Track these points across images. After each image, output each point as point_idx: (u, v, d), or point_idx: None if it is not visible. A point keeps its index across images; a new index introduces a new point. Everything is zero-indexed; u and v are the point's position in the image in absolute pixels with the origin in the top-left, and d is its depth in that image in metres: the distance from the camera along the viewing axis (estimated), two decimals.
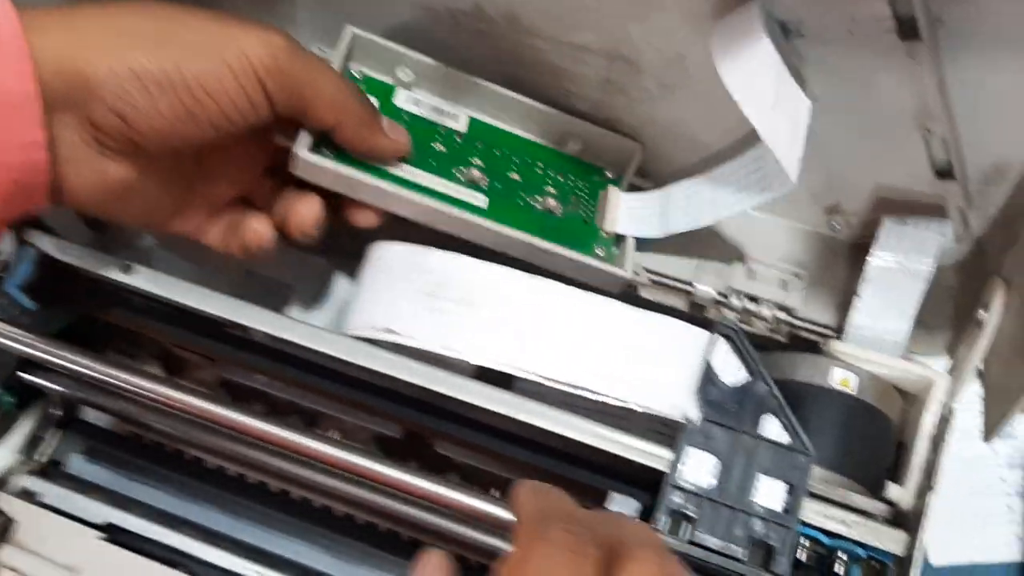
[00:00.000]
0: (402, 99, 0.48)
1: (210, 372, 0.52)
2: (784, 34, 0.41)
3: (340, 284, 0.51)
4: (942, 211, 0.45)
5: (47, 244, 0.45)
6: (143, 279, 0.44)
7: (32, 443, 0.50)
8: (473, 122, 0.49)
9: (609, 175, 0.49)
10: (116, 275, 0.44)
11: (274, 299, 0.50)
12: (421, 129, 0.47)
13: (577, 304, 0.42)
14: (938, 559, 0.61)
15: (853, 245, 0.49)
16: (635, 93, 0.48)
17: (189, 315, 0.45)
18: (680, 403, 0.41)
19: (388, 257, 0.43)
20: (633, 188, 0.49)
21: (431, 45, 0.48)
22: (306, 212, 0.43)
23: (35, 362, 0.45)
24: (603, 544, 0.28)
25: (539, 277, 0.43)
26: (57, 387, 0.48)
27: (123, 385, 0.43)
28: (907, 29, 0.39)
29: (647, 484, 0.41)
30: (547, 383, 0.41)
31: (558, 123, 0.49)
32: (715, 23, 0.41)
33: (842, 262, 0.49)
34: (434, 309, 0.41)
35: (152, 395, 0.43)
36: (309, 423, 0.49)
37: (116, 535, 0.43)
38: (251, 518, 0.48)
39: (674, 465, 0.39)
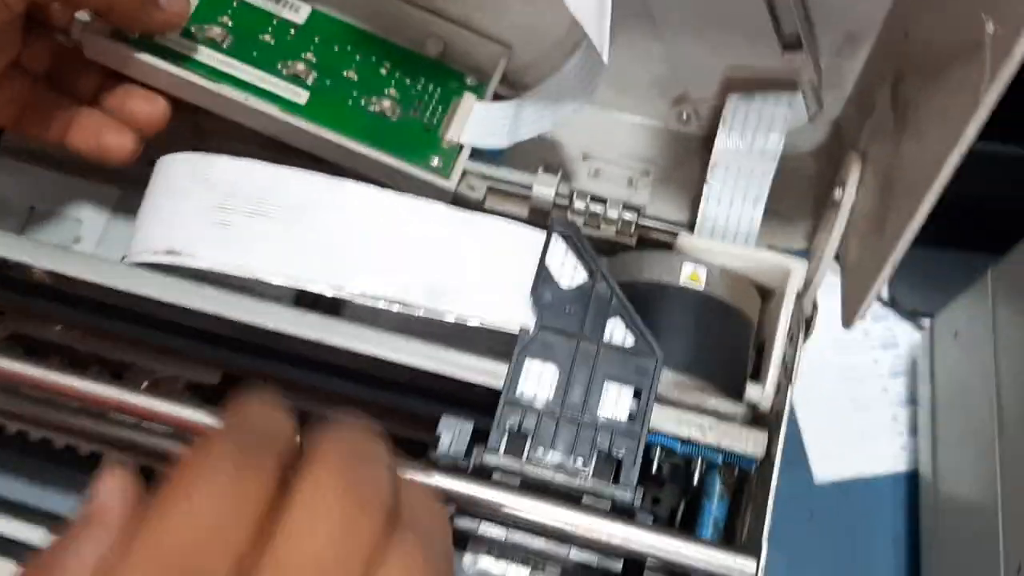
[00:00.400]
0: None
1: None
2: None
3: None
4: (793, 86, 0.41)
5: None
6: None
7: None
8: (315, 14, 0.44)
9: (470, 82, 0.44)
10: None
11: (63, 236, 0.44)
12: (250, 17, 0.42)
13: (389, 209, 0.37)
14: (823, 475, 0.59)
15: (703, 137, 0.45)
16: None
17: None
18: (517, 313, 0.36)
19: (172, 170, 0.38)
20: (499, 99, 0.44)
21: None
22: (151, 108, 0.40)
23: None
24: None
25: (345, 180, 0.38)
26: None
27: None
28: None
29: (487, 407, 0.37)
30: (360, 301, 0.36)
31: (416, 21, 0.44)
32: None
33: (693, 157, 0.45)
34: (222, 223, 0.36)
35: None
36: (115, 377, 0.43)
37: None
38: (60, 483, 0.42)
39: (509, 379, 0.35)
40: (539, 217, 0.43)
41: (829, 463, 0.58)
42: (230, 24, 0.42)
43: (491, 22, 0.45)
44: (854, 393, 0.60)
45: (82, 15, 0.40)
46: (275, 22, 0.43)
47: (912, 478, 0.58)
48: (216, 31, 0.42)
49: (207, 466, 0.22)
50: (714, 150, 0.40)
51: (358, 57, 0.43)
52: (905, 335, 0.62)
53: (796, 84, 0.41)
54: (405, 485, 0.25)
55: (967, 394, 0.53)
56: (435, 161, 0.41)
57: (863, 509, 0.58)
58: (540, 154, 0.44)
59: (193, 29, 0.41)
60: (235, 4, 0.43)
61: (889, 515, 0.58)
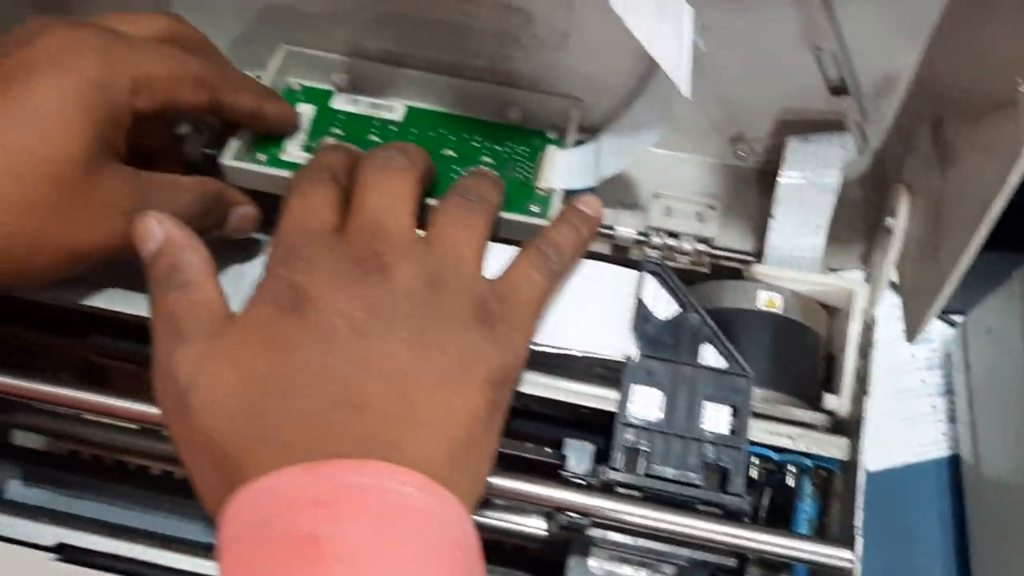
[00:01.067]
0: (340, 102, 0.50)
1: (136, 381, 0.51)
2: None
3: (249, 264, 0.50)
4: (841, 126, 0.46)
5: None
6: (63, 292, 0.43)
7: None
8: (409, 110, 0.50)
9: (550, 136, 0.49)
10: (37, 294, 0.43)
11: None
12: (358, 126, 0.48)
13: (505, 259, 0.42)
14: (874, 465, 0.64)
15: (760, 171, 0.51)
16: (530, 42, 0.48)
17: (104, 320, 0.43)
18: (620, 344, 0.41)
19: None
20: (578, 143, 0.49)
21: (348, 44, 0.50)
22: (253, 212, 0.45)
23: None
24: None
25: None
26: None
27: (45, 396, 0.41)
28: None
29: (596, 427, 0.42)
30: None
31: (495, 96, 0.50)
32: None
33: (752, 188, 0.50)
34: None
35: (78, 403, 0.41)
36: None
37: (70, 554, 0.42)
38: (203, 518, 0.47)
39: (622, 404, 0.40)
40: (622, 252, 0.48)
41: (877, 452, 0.64)
42: (341, 133, 0.48)
43: (558, 82, 0.50)
44: (895, 386, 0.66)
45: None
46: (377, 123, 0.49)
47: (954, 462, 0.64)
48: (331, 142, 0.47)
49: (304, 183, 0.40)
50: (777, 187, 0.45)
51: (452, 137, 0.49)
52: (939, 331, 0.67)
53: (844, 124, 0.46)
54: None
55: (1002, 383, 0.58)
56: (534, 207, 0.46)
57: (911, 493, 0.63)
58: (617, 195, 0.49)
59: (312, 144, 0.47)
60: (342, 115, 0.49)
61: (935, 498, 0.63)
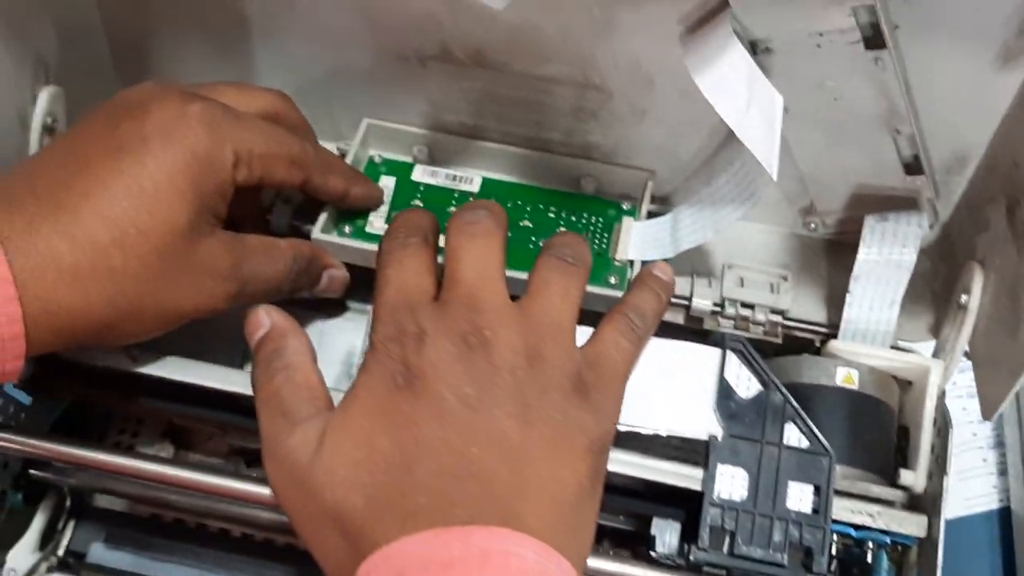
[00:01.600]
0: (419, 174, 0.51)
1: (220, 440, 0.52)
2: (752, 50, 0.42)
3: (337, 336, 0.51)
4: (914, 203, 0.47)
5: None
6: (152, 366, 0.44)
7: (48, 537, 0.49)
8: (486, 181, 0.51)
9: (625, 207, 0.50)
10: (124, 365, 0.43)
11: None
12: (438, 197, 0.49)
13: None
14: None
15: (829, 241, 0.51)
16: (607, 117, 0.49)
17: (194, 390, 0.44)
18: (703, 423, 0.42)
19: None
20: (654, 216, 0.50)
21: (428, 118, 0.51)
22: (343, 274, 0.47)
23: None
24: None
25: None
26: (66, 479, 0.48)
27: (130, 472, 0.43)
28: (872, 39, 0.41)
29: (677, 502, 0.43)
30: None
31: (570, 168, 0.51)
32: (685, 39, 0.43)
33: (821, 258, 0.51)
34: None
35: (161, 477, 0.43)
36: None
37: None
38: None
39: (709, 484, 0.41)
40: (696, 322, 0.49)
41: None
42: (421, 204, 0.49)
43: (633, 154, 0.51)
44: None
45: None
46: (456, 195, 0.50)
47: (1005, 515, 0.64)
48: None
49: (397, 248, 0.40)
50: (856, 264, 0.46)
51: (528, 208, 0.50)
52: None
53: (917, 201, 0.47)
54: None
55: None
56: (612, 279, 0.47)
57: (962, 546, 0.63)
58: (689, 263, 0.50)
59: (394, 215, 0.47)
60: (422, 188, 0.50)
61: (986, 550, 0.63)
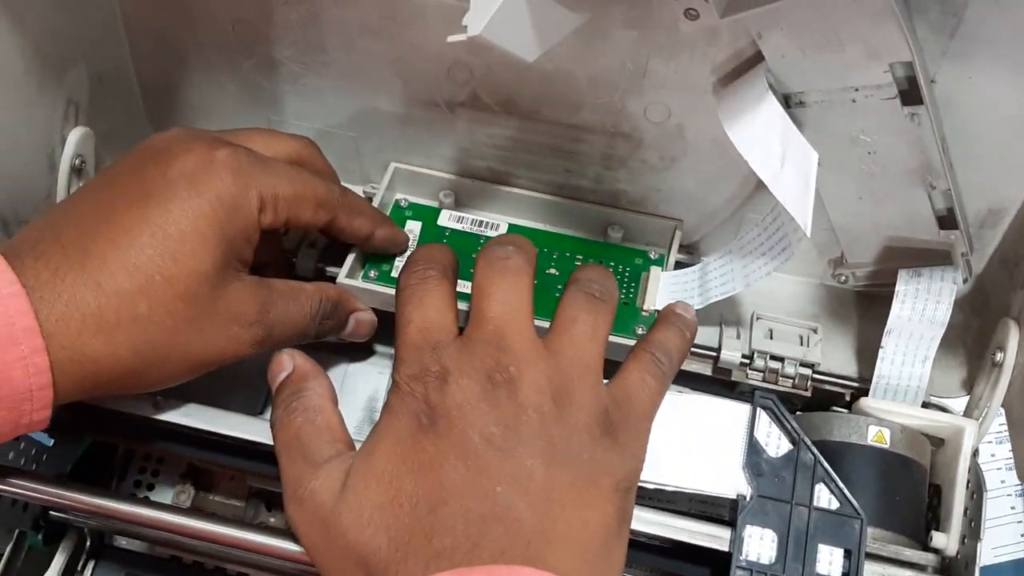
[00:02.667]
0: (445, 219, 0.50)
1: (240, 482, 0.52)
2: (785, 103, 0.41)
3: (360, 380, 0.50)
4: (947, 257, 0.46)
5: None
6: (174, 412, 0.43)
7: None
8: (512, 228, 0.50)
9: (652, 256, 0.49)
10: (147, 411, 0.43)
11: None
12: (464, 243, 0.48)
13: None
14: None
15: (860, 293, 0.50)
16: (636, 166, 0.48)
17: (215, 437, 0.43)
18: (731, 481, 0.41)
19: None
20: (680, 265, 0.49)
21: (456, 163, 0.50)
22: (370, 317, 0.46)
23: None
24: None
25: None
26: (85, 521, 0.47)
27: (147, 522, 0.42)
28: (909, 95, 0.40)
29: (704, 560, 0.41)
30: None
31: (597, 216, 0.50)
32: (718, 91, 0.42)
33: (850, 310, 0.50)
34: None
35: (178, 529, 0.42)
36: None
37: None
38: None
39: (737, 546, 0.40)
40: (724, 373, 0.48)
41: None
42: None
43: (661, 202, 0.50)
44: None
45: None
46: (482, 240, 0.49)
47: None
48: None
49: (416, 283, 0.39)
50: (889, 318, 0.45)
51: (555, 255, 0.48)
52: None
53: (950, 256, 0.46)
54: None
55: None
56: (639, 329, 0.45)
57: None
58: (718, 314, 0.49)
59: (412, 251, 0.47)
60: (448, 233, 0.49)
61: None
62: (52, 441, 0.48)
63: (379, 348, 0.51)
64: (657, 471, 0.41)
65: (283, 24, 0.46)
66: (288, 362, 0.40)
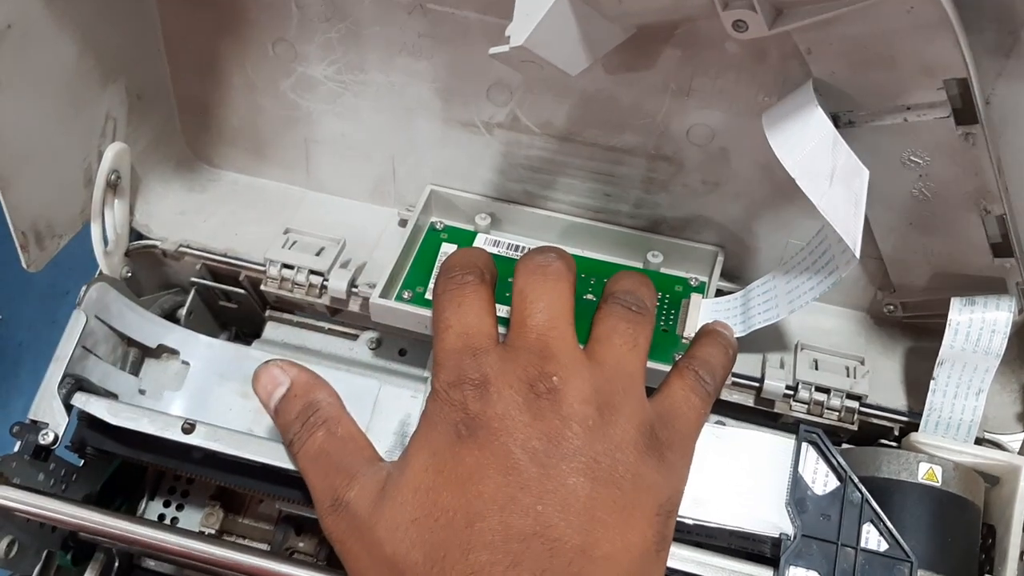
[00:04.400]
0: (481, 242, 0.48)
1: (270, 504, 0.49)
2: (833, 122, 0.39)
3: (392, 402, 0.48)
4: (1002, 285, 0.43)
5: (100, 409, 0.41)
6: (204, 437, 0.41)
7: None
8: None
9: (693, 283, 0.47)
10: (177, 436, 0.41)
11: None
12: (499, 268, 0.45)
13: None
14: None
15: (907, 324, 0.47)
16: (678, 190, 0.46)
17: (245, 462, 0.41)
18: (775, 519, 0.38)
19: None
20: (722, 293, 0.47)
21: (493, 186, 0.48)
22: None
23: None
24: None
25: None
26: (112, 542, 0.45)
27: (173, 550, 0.40)
28: (963, 114, 0.37)
29: None
30: None
31: (636, 242, 0.47)
32: (765, 109, 0.39)
33: (900, 340, 0.47)
34: None
35: (204, 558, 0.40)
36: None
37: None
38: None
39: None
40: (767, 404, 0.45)
41: None
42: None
43: (703, 228, 0.47)
44: None
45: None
46: None
47: None
48: None
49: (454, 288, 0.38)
50: (941, 349, 0.42)
51: (593, 281, 0.46)
52: None
53: (1005, 284, 0.43)
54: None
55: None
56: (679, 357, 0.43)
57: None
58: (760, 342, 0.46)
59: (448, 255, 0.44)
60: None
61: None
62: (82, 462, 0.46)
63: (411, 370, 0.49)
64: (698, 506, 0.38)
65: (323, 43, 0.45)
66: (282, 375, 0.38)
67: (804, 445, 0.39)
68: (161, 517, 0.50)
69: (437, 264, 0.46)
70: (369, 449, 0.37)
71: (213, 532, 0.49)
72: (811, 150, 0.37)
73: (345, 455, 0.36)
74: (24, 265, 0.42)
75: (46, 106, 0.41)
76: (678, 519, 0.37)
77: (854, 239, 0.36)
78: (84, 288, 0.43)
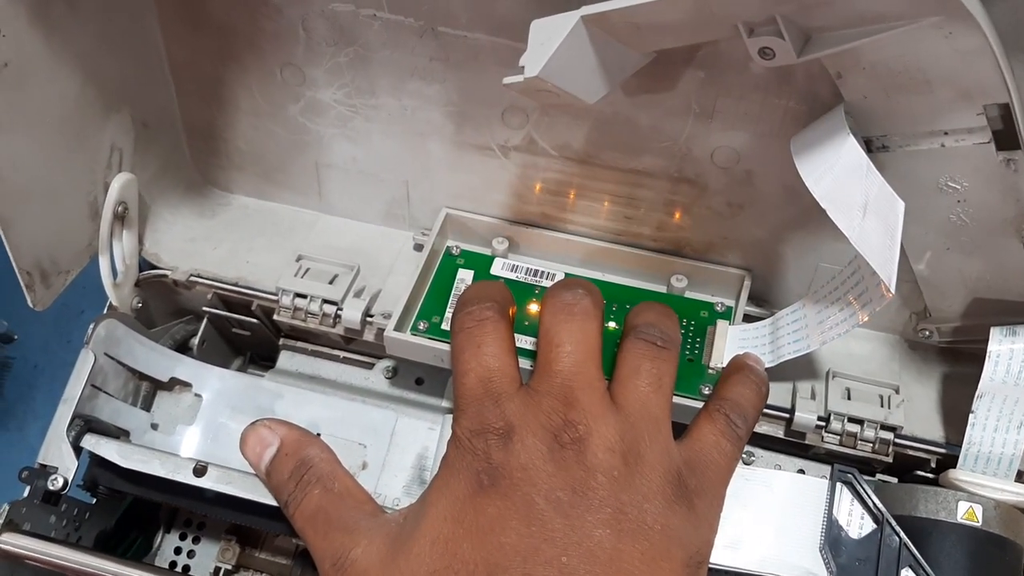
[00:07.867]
0: (499, 267, 0.46)
1: (286, 540, 0.48)
2: (867, 147, 0.37)
3: (409, 436, 0.46)
4: None
5: (110, 451, 0.40)
6: (216, 480, 0.39)
7: None
8: (568, 277, 0.45)
9: (719, 308, 0.44)
10: (188, 479, 0.39)
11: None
12: (518, 294, 0.43)
13: None
14: None
15: (945, 349, 0.45)
16: (701, 212, 0.44)
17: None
18: (809, 564, 0.36)
19: None
20: (749, 318, 0.44)
21: (511, 209, 0.47)
22: None
23: None
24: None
25: None
26: None
27: None
28: (1004, 139, 0.35)
29: None
30: None
31: (659, 265, 0.45)
32: (793, 134, 0.37)
33: (936, 368, 0.45)
34: None
35: None
36: None
37: None
38: None
39: None
40: (797, 436, 0.43)
41: None
42: None
43: (728, 252, 0.45)
44: None
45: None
46: (537, 291, 0.45)
47: None
48: None
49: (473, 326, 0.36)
50: (980, 381, 0.39)
51: (614, 307, 0.44)
52: None
53: None
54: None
55: None
56: (705, 389, 0.41)
57: None
58: (790, 373, 0.44)
59: (464, 288, 0.43)
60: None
61: None
62: (94, 500, 0.45)
63: (429, 400, 0.47)
64: (730, 551, 0.36)
65: (332, 68, 0.43)
66: (271, 435, 0.37)
67: (838, 486, 0.37)
68: (177, 550, 0.49)
69: (453, 291, 0.44)
70: (370, 503, 0.35)
71: (231, 567, 0.47)
72: (843, 180, 0.35)
73: (344, 511, 0.35)
74: (30, 304, 0.41)
75: (47, 142, 0.40)
76: (710, 566, 0.35)
77: (889, 275, 0.34)
78: (92, 325, 0.42)
